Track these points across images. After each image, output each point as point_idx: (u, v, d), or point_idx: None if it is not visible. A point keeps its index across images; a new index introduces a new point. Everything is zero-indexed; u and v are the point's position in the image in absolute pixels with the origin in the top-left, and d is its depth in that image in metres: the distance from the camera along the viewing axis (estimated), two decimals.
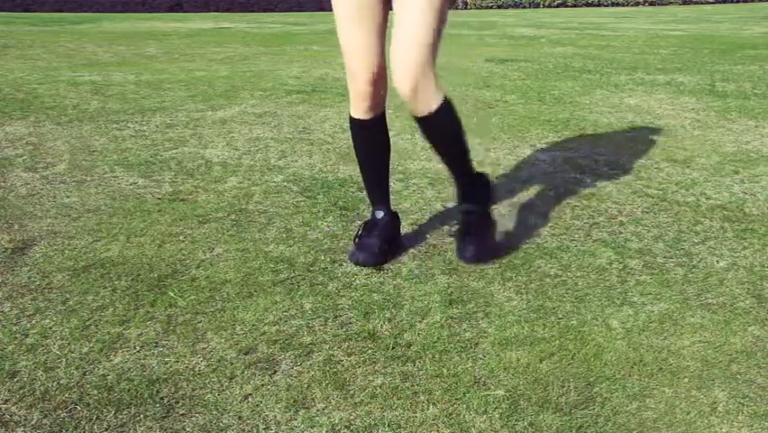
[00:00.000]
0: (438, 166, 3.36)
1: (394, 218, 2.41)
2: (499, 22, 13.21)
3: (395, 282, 2.19)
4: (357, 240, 2.34)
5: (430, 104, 2.10)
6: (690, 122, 4.44)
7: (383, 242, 2.32)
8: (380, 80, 2.19)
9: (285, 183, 3.09)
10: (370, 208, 2.42)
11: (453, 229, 2.50)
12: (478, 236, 2.34)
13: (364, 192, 2.91)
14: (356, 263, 2.28)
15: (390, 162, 2.39)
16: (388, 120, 2.34)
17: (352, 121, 2.30)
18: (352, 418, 1.55)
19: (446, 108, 2.14)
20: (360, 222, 2.58)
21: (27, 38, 8.87)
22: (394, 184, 2.88)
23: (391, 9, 2.15)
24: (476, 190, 2.38)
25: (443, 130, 2.21)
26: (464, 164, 2.32)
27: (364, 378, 1.70)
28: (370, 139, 2.33)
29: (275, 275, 2.21)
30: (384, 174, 2.38)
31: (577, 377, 1.71)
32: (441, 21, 2.05)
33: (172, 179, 3.12)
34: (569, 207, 2.86)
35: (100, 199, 2.84)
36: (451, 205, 2.83)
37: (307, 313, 1.99)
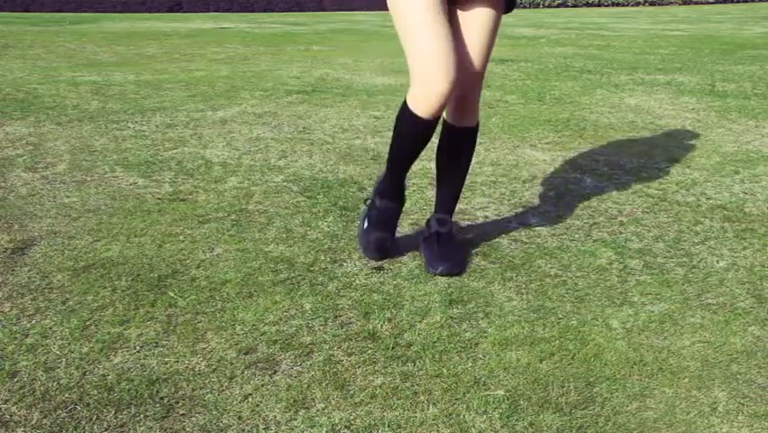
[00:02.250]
0: None
1: (400, 208, 2.41)
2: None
3: (395, 282, 2.19)
4: (368, 228, 2.35)
5: (476, 117, 2.27)
6: (690, 122, 4.44)
7: (392, 235, 2.38)
8: (456, 84, 2.07)
9: (285, 183, 3.09)
10: (379, 198, 2.36)
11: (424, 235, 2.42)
12: (451, 248, 2.32)
13: (364, 192, 2.91)
14: (369, 257, 2.33)
15: None
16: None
17: (411, 116, 2.13)
18: (351, 418, 1.55)
19: (478, 128, 2.31)
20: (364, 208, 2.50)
21: (27, 38, 8.87)
22: None
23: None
24: (454, 203, 2.43)
25: (470, 147, 2.32)
26: (462, 183, 2.40)
27: (364, 378, 1.69)
28: (423, 136, 2.21)
29: (275, 275, 2.21)
30: (411, 165, 2.35)
31: (577, 377, 1.71)
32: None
33: (172, 179, 3.12)
34: (569, 207, 2.86)
35: (100, 199, 2.84)
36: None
37: (307, 313, 1.99)
